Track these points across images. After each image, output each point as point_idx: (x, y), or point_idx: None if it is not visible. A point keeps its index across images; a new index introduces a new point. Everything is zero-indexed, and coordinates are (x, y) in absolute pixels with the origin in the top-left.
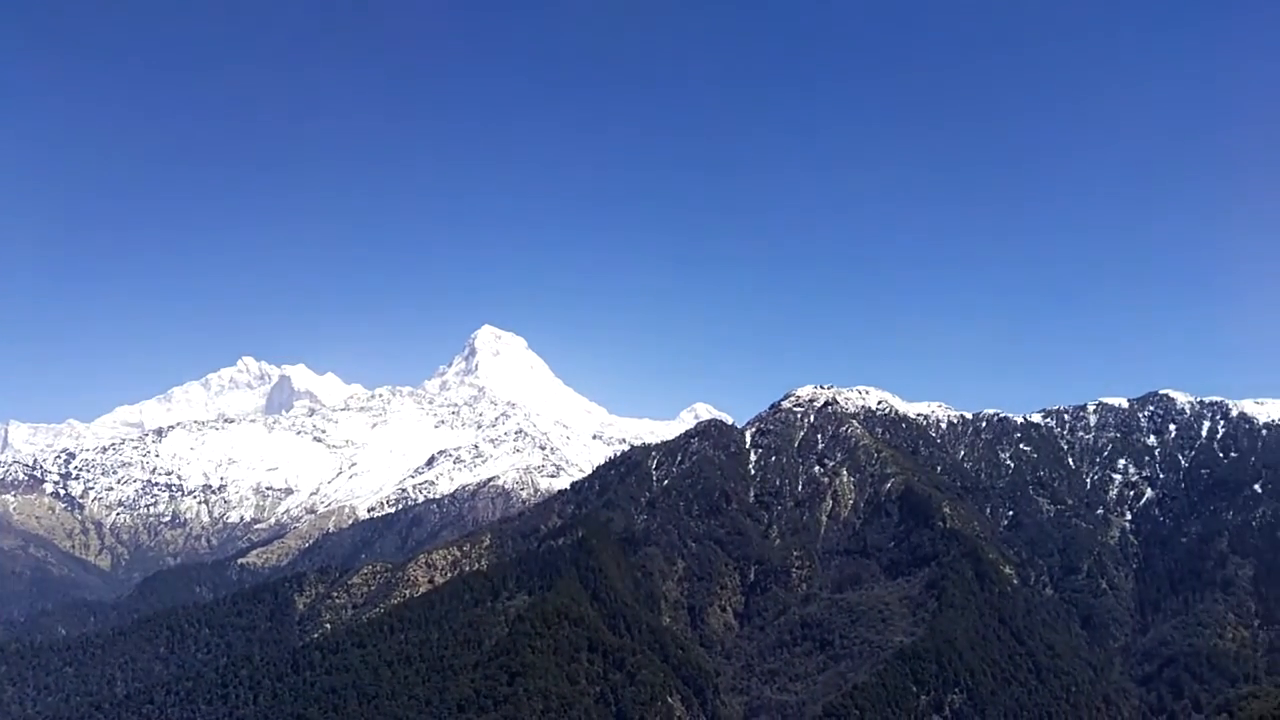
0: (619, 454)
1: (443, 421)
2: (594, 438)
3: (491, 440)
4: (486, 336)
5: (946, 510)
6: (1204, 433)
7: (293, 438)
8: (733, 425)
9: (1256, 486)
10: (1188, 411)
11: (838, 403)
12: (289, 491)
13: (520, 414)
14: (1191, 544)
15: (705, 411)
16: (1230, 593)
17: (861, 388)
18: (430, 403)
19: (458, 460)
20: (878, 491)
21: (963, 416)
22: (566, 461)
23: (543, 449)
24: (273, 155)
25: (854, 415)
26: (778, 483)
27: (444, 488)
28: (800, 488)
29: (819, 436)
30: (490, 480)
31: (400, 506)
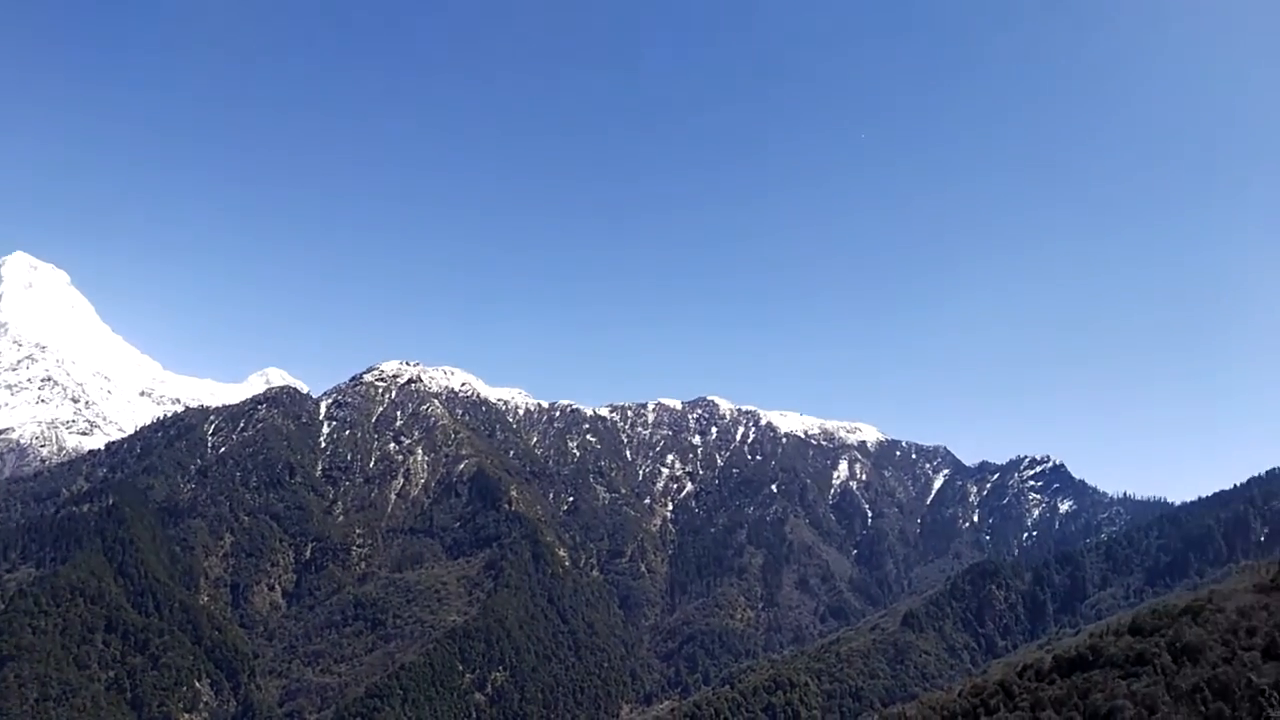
0: (170, 415)
1: None
2: (142, 394)
3: (9, 386)
4: (18, 265)
5: (514, 493)
6: (739, 437)
7: None
8: (307, 394)
9: (774, 487)
10: (728, 417)
11: (422, 380)
12: None
13: (52, 359)
14: (718, 534)
15: (278, 377)
16: (744, 578)
17: (447, 368)
18: None
19: None
20: (450, 472)
21: (540, 405)
22: (104, 418)
23: (75, 401)
24: None
25: (436, 395)
26: (349, 457)
27: None
28: (373, 464)
29: (399, 413)
30: (3, 433)
31: None
